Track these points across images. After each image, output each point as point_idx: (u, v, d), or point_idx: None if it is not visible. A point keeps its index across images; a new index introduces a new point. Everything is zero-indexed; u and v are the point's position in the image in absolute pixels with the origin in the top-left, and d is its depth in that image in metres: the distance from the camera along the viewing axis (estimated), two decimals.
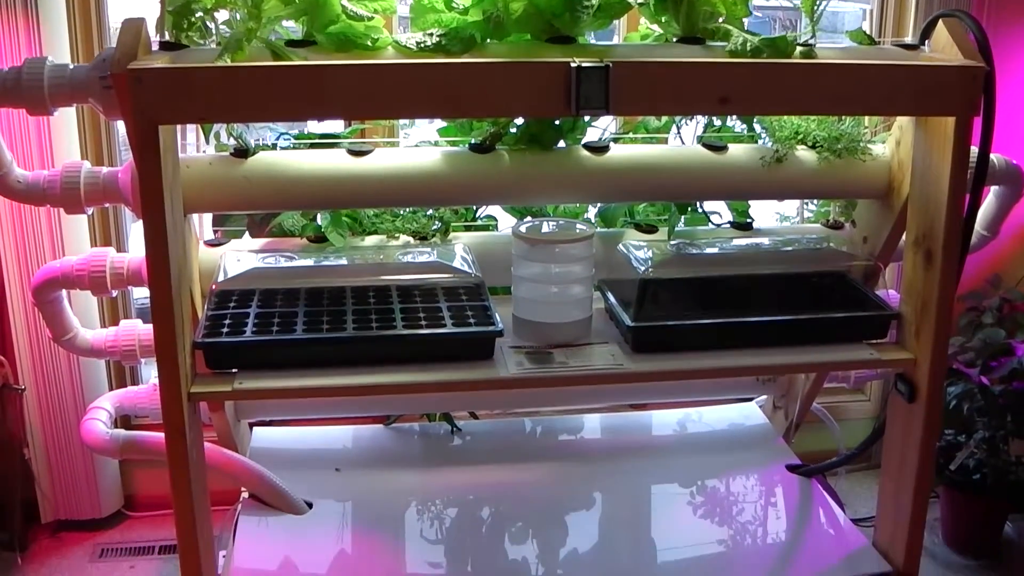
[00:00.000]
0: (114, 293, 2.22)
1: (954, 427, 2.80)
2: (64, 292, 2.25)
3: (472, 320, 1.91)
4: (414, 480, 2.43)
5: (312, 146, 2.09)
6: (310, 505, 2.27)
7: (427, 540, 2.21)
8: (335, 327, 1.87)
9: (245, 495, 2.28)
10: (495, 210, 2.32)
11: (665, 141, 2.23)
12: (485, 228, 2.28)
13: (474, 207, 2.27)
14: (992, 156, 2.10)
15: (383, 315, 1.91)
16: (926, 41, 1.93)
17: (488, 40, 1.84)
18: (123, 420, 2.75)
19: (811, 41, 1.87)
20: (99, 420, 2.31)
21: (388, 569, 2.11)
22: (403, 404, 2.51)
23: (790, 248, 2.17)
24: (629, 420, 2.76)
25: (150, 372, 2.76)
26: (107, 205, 2.35)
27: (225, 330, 1.86)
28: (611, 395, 2.63)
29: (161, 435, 1.80)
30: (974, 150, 1.88)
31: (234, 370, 1.85)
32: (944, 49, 1.86)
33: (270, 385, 1.83)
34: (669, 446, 2.64)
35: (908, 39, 2.27)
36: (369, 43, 1.77)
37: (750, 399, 2.76)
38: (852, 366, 2.40)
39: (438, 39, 1.74)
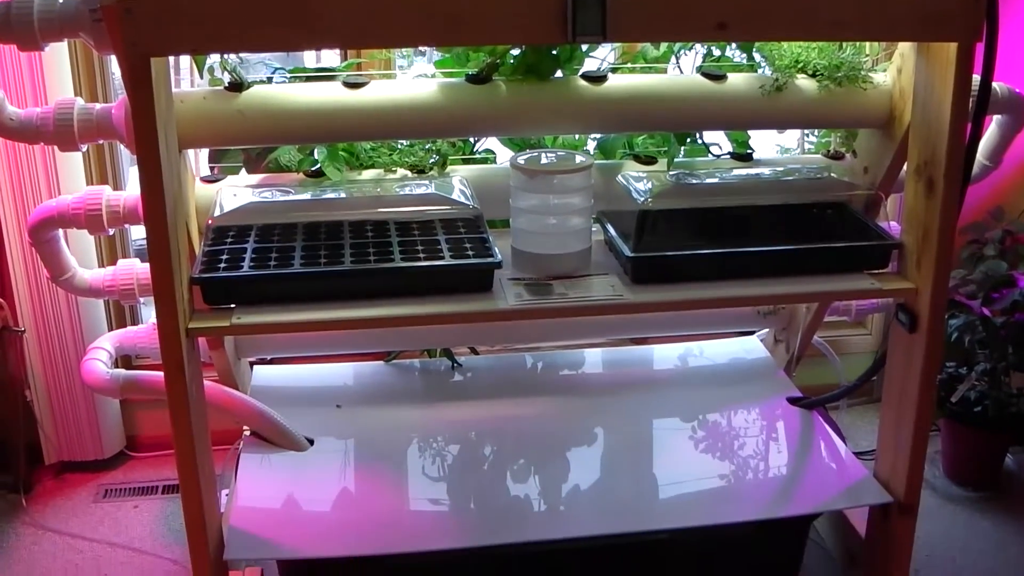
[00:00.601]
0: (111, 231, 2.21)
1: (955, 359, 2.80)
2: (61, 232, 2.24)
3: (470, 252, 1.90)
4: (415, 416, 2.43)
5: (307, 80, 2.07)
6: (311, 442, 2.28)
7: (428, 476, 2.22)
8: (333, 261, 1.86)
9: (247, 433, 2.28)
10: (494, 145, 2.30)
11: (664, 71, 2.20)
12: (483, 161, 2.26)
13: (472, 140, 2.25)
14: (995, 84, 2.08)
15: (381, 248, 1.90)
16: None
17: None
18: (124, 361, 2.75)
19: None
20: (99, 360, 2.31)
21: (390, 504, 2.12)
22: (403, 340, 2.50)
23: (790, 178, 2.16)
24: (630, 354, 2.76)
25: (149, 313, 2.75)
26: (102, 142, 2.35)
27: (222, 265, 1.85)
28: (611, 328, 2.63)
29: (161, 374, 1.80)
30: (976, 78, 1.85)
31: (232, 305, 1.84)
32: None
33: (268, 320, 1.82)
34: (670, 380, 2.64)
35: None
36: None
37: (751, 333, 2.76)
38: (853, 296, 2.39)
39: None
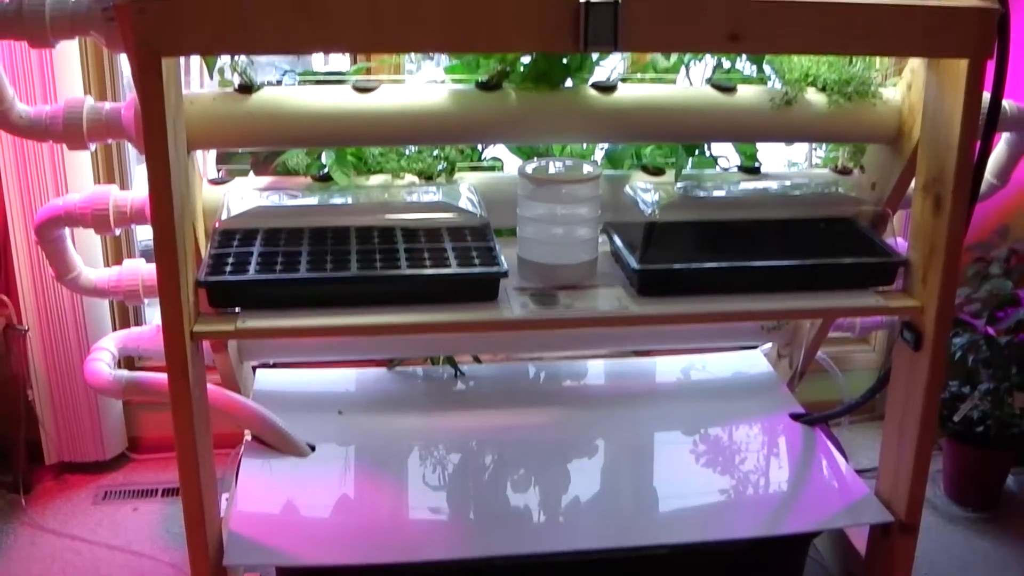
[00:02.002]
0: (117, 231, 2.21)
1: (959, 378, 2.79)
2: (67, 230, 2.23)
3: (477, 261, 1.90)
4: (417, 423, 2.43)
5: (317, 83, 2.07)
6: (313, 448, 2.27)
7: (429, 484, 2.22)
8: (339, 267, 1.85)
9: (248, 437, 2.28)
10: (502, 152, 2.30)
11: (674, 82, 2.20)
12: (491, 169, 2.26)
13: (480, 148, 2.25)
14: (1004, 102, 2.07)
15: (387, 255, 1.90)
16: None
17: None
18: (127, 362, 2.75)
19: None
20: (103, 361, 2.30)
21: (390, 513, 2.11)
22: (407, 347, 2.50)
23: (798, 192, 2.15)
24: (633, 366, 2.76)
25: (154, 314, 2.75)
26: (110, 142, 2.34)
27: (228, 268, 1.85)
28: (615, 340, 2.62)
29: (164, 375, 1.79)
30: (986, 96, 1.85)
31: (237, 309, 1.84)
32: None
33: (273, 324, 1.82)
34: (673, 393, 2.63)
35: None
36: None
37: (755, 347, 2.75)
38: (858, 313, 2.39)
39: None
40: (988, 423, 2.71)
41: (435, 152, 2.15)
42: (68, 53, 2.40)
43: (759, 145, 2.30)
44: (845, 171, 2.28)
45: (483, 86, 1.99)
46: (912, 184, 2.00)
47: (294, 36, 1.60)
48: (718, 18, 1.67)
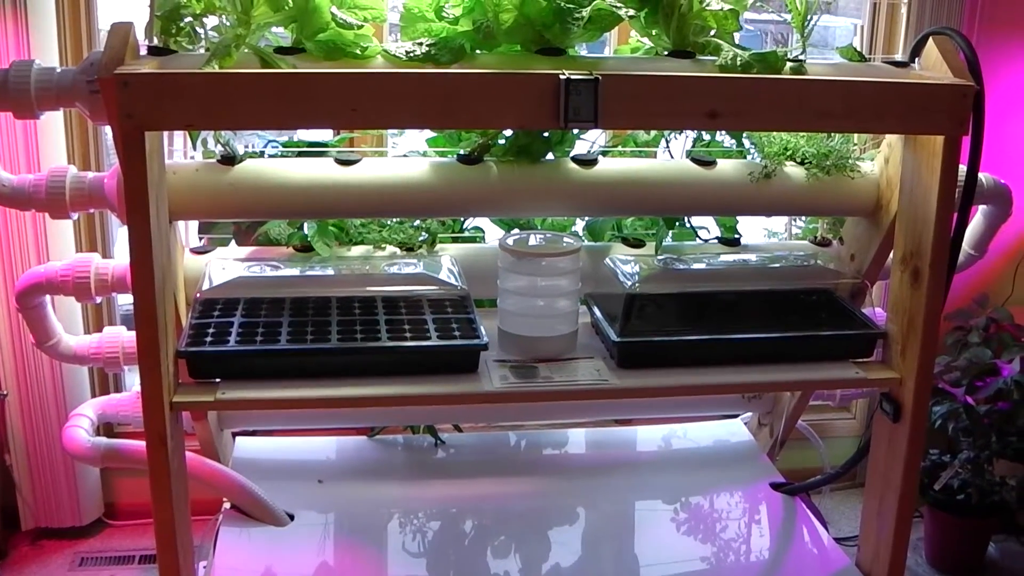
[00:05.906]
0: (98, 299, 2.21)
1: (939, 447, 2.80)
2: (48, 298, 2.23)
3: (457, 333, 1.90)
4: (397, 493, 2.41)
5: (300, 154, 2.08)
6: (292, 517, 2.26)
7: (409, 553, 2.20)
8: (319, 338, 1.86)
9: (227, 506, 2.26)
10: (483, 222, 2.31)
11: (654, 155, 2.22)
12: (472, 240, 2.27)
13: (461, 219, 2.26)
14: (980, 175, 2.10)
15: (368, 326, 1.90)
16: (916, 59, 1.94)
17: (478, 51, 1.84)
18: (105, 427, 2.73)
19: (801, 57, 1.87)
20: (81, 427, 2.29)
21: None
22: (387, 416, 2.49)
23: (777, 265, 2.16)
24: (614, 435, 2.75)
25: (133, 379, 2.74)
26: (93, 211, 2.35)
27: (209, 339, 1.84)
28: (596, 410, 2.62)
29: (143, 444, 1.79)
30: (962, 169, 1.87)
31: (217, 380, 1.83)
32: (934, 67, 1.86)
33: (253, 395, 1.82)
34: (653, 462, 2.63)
35: (898, 56, 2.27)
36: (358, 51, 1.76)
37: (735, 416, 2.75)
38: (837, 385, 2.40)
39: (428, 49, 1.73)
40: (969, 491, 2.72)
41: (416, 223, 2.16)
42: (52, 122, 2.42)
43: (739, 216, 2.31)
44: (824, 243, 2.30)
45: (464, 159, 2.00)
46: (891, 256, 2.02)
47: (275, 115, 1.62)
48: (697, 96, 1.69)
